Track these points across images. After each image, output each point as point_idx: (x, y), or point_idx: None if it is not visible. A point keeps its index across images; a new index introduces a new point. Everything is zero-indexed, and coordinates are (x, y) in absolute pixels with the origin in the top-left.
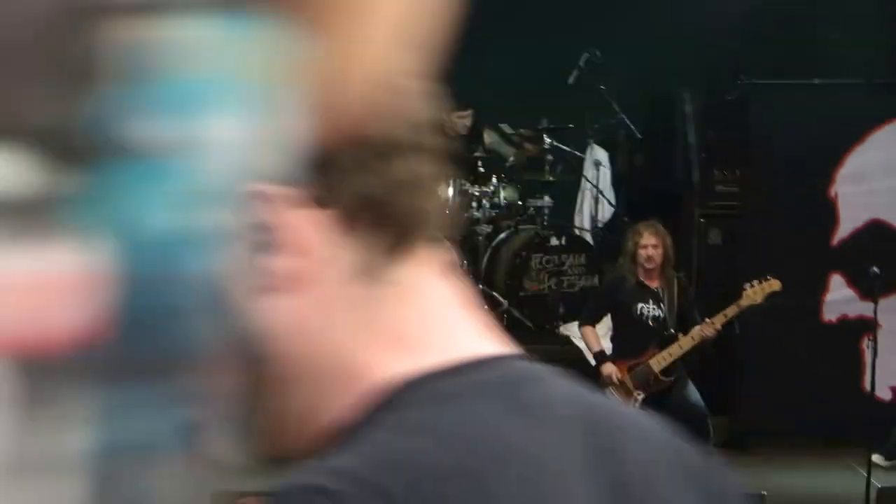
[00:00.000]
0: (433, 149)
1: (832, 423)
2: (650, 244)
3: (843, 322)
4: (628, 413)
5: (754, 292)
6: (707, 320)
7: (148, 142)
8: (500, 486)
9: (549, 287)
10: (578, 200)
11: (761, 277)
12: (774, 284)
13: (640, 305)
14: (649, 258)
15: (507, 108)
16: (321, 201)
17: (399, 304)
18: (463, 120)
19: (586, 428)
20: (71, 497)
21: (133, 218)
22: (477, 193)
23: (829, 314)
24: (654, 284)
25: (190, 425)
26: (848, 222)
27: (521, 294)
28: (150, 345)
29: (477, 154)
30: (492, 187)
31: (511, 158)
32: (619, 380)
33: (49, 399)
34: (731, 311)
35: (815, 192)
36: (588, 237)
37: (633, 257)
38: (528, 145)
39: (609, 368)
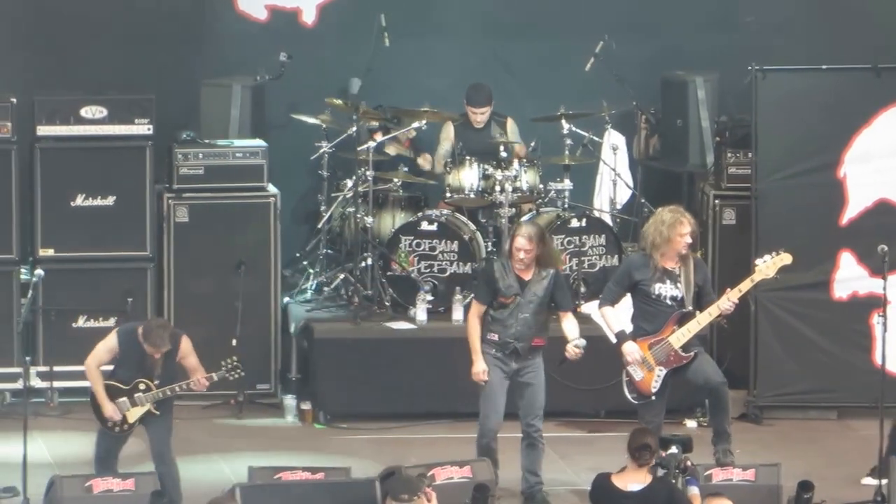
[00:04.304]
0: None
1: (844, 397)
2: (688, 232)
3: (854, 299)
4: None
5: (767, 266)
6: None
7: None
8: None
9: (571, 267)
10: (597, 183)
11: (773, 252)
12: (786, 258)
13: (658, 286)
14: (688, 245)
15: (527, 96)
16: None
17: None
18: (483, 114)
19: None
20: None
21: None
22: (500, 178)
23: (840, 291)
24: (671, 265)
25: None
26: (856, 202)
27: None
28: None
29: (499, 140)
30: (514, 171)
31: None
32: (640, 357)
33: None
34: (745, 285)
35: (825, 173)
36: (607, 219)
37: (666, 243)
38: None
39: (630, 347)
